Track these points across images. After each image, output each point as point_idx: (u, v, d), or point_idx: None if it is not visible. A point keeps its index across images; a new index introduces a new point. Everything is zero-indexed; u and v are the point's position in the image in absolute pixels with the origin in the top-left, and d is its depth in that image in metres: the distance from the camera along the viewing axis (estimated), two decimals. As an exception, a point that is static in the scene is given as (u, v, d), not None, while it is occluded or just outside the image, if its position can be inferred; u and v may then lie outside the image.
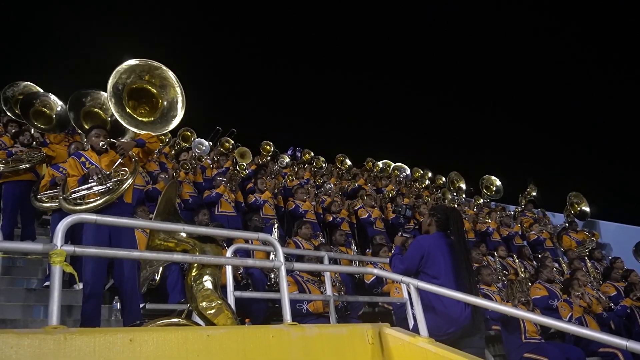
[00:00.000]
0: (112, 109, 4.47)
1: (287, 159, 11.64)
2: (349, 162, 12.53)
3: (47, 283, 5.52)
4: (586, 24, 19.72)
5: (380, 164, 13.03)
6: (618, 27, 19.23)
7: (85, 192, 4.24)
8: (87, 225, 4.25)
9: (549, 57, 21.26)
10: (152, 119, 4.62)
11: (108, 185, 4.24)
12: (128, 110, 4.53)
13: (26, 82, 7.56)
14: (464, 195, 13.21)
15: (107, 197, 4.20)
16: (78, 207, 4.09)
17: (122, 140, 4.63)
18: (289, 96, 21.00)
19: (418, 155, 16.87)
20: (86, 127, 5.46)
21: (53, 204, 5.72)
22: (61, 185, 4.87)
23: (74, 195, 4.23)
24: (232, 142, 10.74)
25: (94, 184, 4.25)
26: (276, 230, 7.49)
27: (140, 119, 4.56)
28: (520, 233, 10.91)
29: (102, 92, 5.61)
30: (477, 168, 14.73)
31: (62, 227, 2.32)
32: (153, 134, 4.63)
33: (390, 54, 22.84)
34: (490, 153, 19.78)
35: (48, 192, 5.75)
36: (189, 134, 10.49)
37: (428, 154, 17.97)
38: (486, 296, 6.33)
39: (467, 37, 21.52)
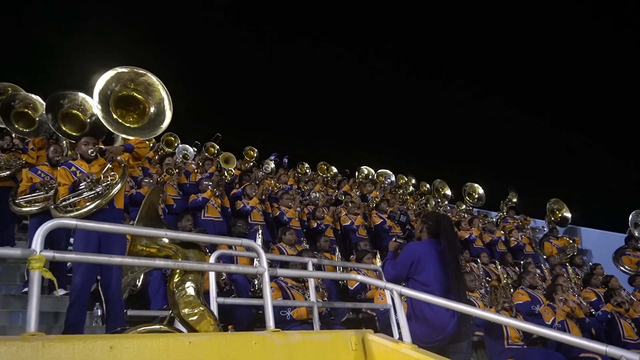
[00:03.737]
0: (100, 116, 4.46)
1: (272, 165, 11.63)
2: (334, 169, 12.55)
3: (26, 289, 5.43)
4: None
5: (365, 170, 13.08)
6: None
7: (75, 198, 4.26)
8: (77, 232, 4.28)
9: (538, 58, 21.49)
10: (141, 124, 4.62)
11: (98, 190, 4.25)
12: (115, 117, 4.52)
13: (6, 83, 7.36)
14: (446, 202, 13.29)
15: (98, 202, 4.23)
16: (69, 215, 4.07)
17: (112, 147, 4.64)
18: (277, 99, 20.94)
19: (401, 161, 17.01)
20: (64, 128, 5.42)
21: (33, 208, 5.65)
22: (52, 194, 4.92)
23: (64, 203, 4.25)
24: (217, 147, 10.72)
25: (84, 189, 4.27)
26: (260, 236, 7.46)
27: (127, 125, 4.55)
28: (503, 239, 11.03)
29: (79, 93, 5.54)
30: (459, 174, 14.88)
31: (41, 232, 2.28)
32: (142, 138, 4.63)
33: (387, 48, 22.80)
34: (472, 159, 19.95)
35: (27, 196, 5.68)
36: (172, 139, 10.44)
37: (411, 160, 18.09)
38: (469, 302, 6.37)
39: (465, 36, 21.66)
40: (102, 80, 4.46)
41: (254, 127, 18.23)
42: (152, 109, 4.68)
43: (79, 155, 4.70)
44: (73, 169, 4.52)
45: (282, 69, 21.21)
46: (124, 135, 4.64)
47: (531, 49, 21.20)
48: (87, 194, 4.25)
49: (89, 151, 4.51)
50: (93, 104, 4.50)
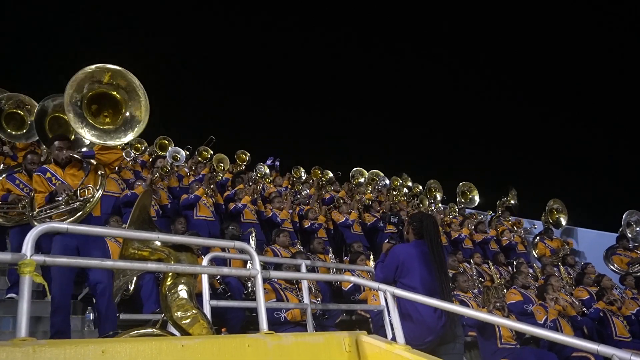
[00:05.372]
0: (71, 122, 4.20)
1: (266, 169, 11.60)
2: (330, 174, 12.53)
3: (10, 295, 5.39)
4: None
5: (360, 177, 13.07)
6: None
7: (51, 211, 4.16)
8: (54, 239, 4.17)
9: (530, 64, 21.48)
10: (116, 126, 4.38)
11: (74, 205, 4.17)
12: (90, 120, 4.24)
13: None
14: (440, 205, 13.30)
15: (76, 216, 4.15)
16: None
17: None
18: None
19: (396, 160, 16.99)
20: (50, 135, 5.25)
21: (5, 222, 5.58)
22: (28, 201, 4.79)
23: (42, 215, 4.16)
24: (211, 151, 10.70)
25: (62, 202, 4.16)
26: (253, 238, 7.45)
27: (103, 127, 4.32)
28: (495, 237, 11.08)
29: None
30: (453, 175, 14.89)
31: (32, 236, 2.26)
32: (118, 143, 4.42)
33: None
34: (467, 157, 19.94)
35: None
36: (166, 142, 10.40)
37: (406, 159, 18.04)
38: (462, 302, 6.40)
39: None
40: (73, 81, 4.13)
41: (248, 129, 18.14)
42: (128, 107, 4.36)
43: (52, 159, 4.54)
44: (48, 175, 4.34)
45: (277, 69, 21.10)
46: (100, 142, 4.33)
47: (534, 44, 21.04)
48: (64, 208, 4.15)
49: (62, 156, 4.37)
50: (65, 109, 4.21)
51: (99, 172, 4.42)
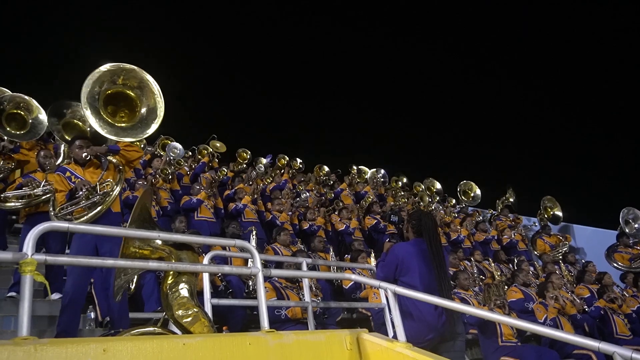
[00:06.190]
0: (89, 120, 4.30)
1: (265, 161, 11.63)
2: (326, 168, 12.58)
3: (11, 293, 5.38)
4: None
5: (359, 171, 13.10)
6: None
7: (73, 207, 4.21)
8: (74, 237, 4.28)
9: (527, 62, 21.45)
10: (132, 123, 4.46)
11: (95, 199, 4.21)
12: (106, 117, 4.34)
13: None
14: (437, 198, 13.33)
15: (96, 210, 4.18)
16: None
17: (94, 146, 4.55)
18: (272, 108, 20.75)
19: (396, 157, 16.98)
20: (66, 137, 5.34)
21: (17, 204, 5.61)
22: (51, 201, 4.73)
23: (63, 212, 4.21)
24: (210, 149, 10.74)
25: (82, 197, 4.22)
26: (254, 237, 7.45)
27: (119, 125, 4.40)
28: (496, 237, 11.08)
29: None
30: (454, 174, 14.88)
31: (32, 235, 2.26)
32: (134, 139, 4.52)
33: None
34: (466, 159, 19.92)
35: (14, 191, 5.63)
36: (168, 142, 10.42)
37: (406, 156, 18.05)
38: (463, 300, 6.40)
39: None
40: (88, 81, 4.22)
41: (248, 128, 18.17)
42: (143, 106, 4.47)
43: (72, 159, 4.61)
44: (68, 174, 4.40)
45: (277, 68, 21.06)
46: (116, 138, 4.42)
47: (529, 41, 20.96)
48: (85, 203, 4.20)
49: (83, 154, 4.43)
50: (82, 106, 4.31)
51: (119, 168, 4.50)
